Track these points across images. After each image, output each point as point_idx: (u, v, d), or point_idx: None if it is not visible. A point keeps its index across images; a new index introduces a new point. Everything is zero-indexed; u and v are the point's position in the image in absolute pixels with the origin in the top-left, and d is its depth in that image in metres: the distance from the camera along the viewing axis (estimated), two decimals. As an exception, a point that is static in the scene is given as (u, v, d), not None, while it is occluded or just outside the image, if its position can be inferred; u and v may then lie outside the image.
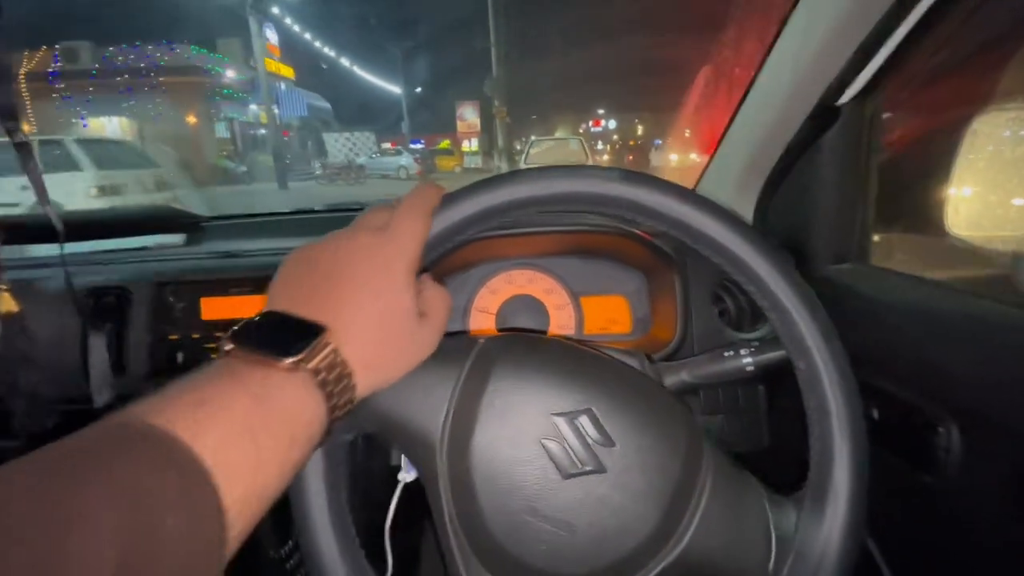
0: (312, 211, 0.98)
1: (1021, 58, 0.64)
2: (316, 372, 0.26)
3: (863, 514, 0.33)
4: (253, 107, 24.92)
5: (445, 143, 24.87)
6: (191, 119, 22.03)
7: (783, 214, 0.65)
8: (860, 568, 0.34)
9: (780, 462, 0.69)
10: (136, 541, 0.18)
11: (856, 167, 0.57)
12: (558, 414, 0.32)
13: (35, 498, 0.17)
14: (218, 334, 0.65)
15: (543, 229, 0.65)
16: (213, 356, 0.64)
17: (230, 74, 24.80)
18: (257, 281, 0.66)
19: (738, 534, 0.34)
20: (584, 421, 0.33)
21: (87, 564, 0.16)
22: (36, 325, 0.59)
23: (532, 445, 0.32)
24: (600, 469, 0.32)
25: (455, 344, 0.35)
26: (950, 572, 0.46)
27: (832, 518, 0.33)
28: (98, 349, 0.59)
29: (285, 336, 0.27)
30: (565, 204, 0.35)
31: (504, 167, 14.53)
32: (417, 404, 0.33)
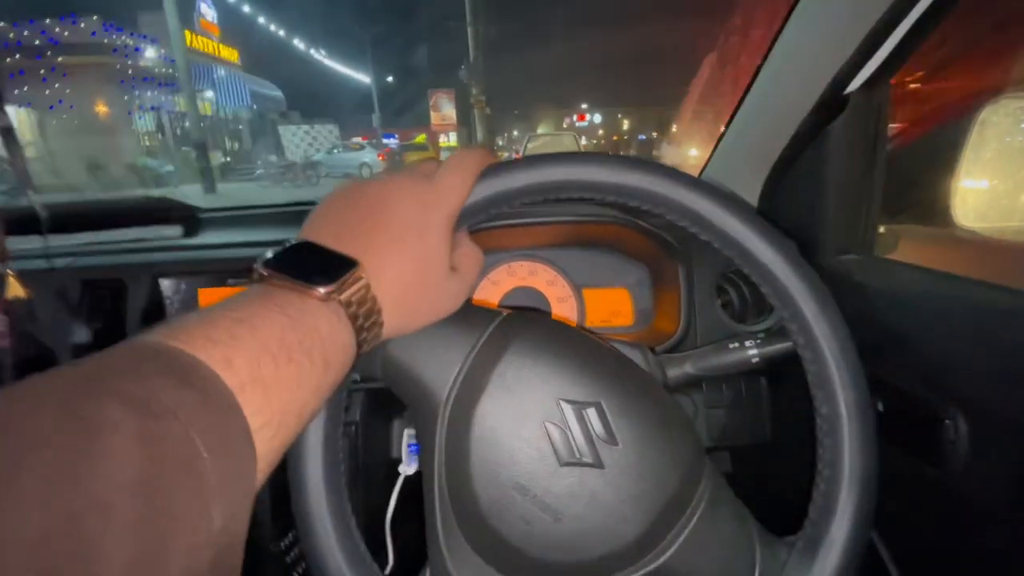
0: (313, 203, 0.97)
1: (1030, 46, 0.63)
2: (347, 304, 0.27)
3: (857, 562, 0.33)
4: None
5: (421, 137, 22.49)
6: (101, 108, 18.27)
7: (788, 203, 0.64)
8: (865, 561, 0.34)
9: (782, 455, 0.69)
10: (159, 450, 0.18)
11: (863, 157, 0.56)
12: (567, 401, 0.32)
13: (62, 405, 0.17)
14: None
15: (545, 220, 0.64)
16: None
17: (150, 54, 20.33)
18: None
19: (722, 563, 0.34)
20: (591, 414, 0.32)
21: (115, 464, 0.16)
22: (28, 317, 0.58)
23: (535, 425, 0.32)
24: (598, 464, 0.32)
25: (478, 311, 0.35)
26: (956, 566, 0.45)
27: (822, 569, 0.33)
28: (84, 338, 0.58)
29: (318, 266, 0.27)
30: (577, 192, 0.34)
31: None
32: (431, 359, 0.33)
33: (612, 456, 0.32)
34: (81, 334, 0.60)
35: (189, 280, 0.65)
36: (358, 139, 21.58)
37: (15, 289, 0.52)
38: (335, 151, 18.05)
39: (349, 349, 0.27)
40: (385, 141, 21.55)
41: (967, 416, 0.42)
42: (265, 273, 0.27)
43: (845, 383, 0.34)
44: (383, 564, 0.39)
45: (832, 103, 0.55)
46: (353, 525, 0.33)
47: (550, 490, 0.32)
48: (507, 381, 0.32)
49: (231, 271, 0.65)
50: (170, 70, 19.87)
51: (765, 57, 0.60)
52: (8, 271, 0.52)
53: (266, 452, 0.22)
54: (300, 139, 20.57)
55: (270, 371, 0.23)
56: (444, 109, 22.36)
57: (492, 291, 0.70)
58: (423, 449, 0.34)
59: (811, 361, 0.35)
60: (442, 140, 22.76)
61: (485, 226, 0.64)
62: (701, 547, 0.33)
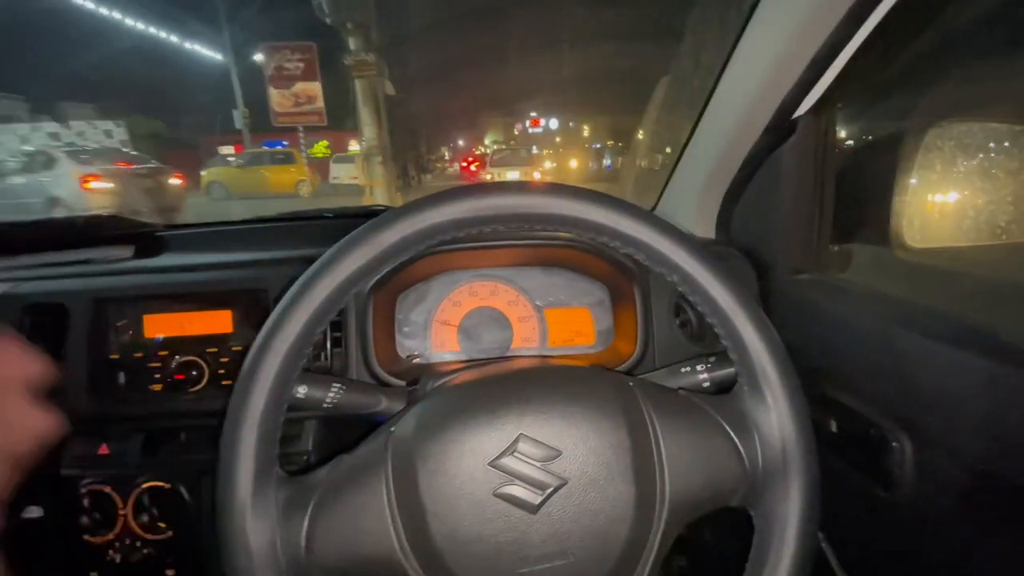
0: (273, 219, 0.95)
1: (972, 70, 0.65)
2: None
3: (803, 401, 0.35)
4: None
5: (321, 144, 16.59)
6: None
7: (743, 226, 0.65)
8: (817, 573, 0.34)
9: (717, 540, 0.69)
10: None
11: (812, 179, 0.57)
12: (494, 461, 0.31)
13: None
14: (161, 352, 0.62)
15: (506, 242, 0.64)
16: (156, 376, 0.61)
17: None
18: (203, 297, 0.63)
19: (707, 452, 0.35)
20: (522, 448, 0.32)
21: None
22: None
23: (489, 502, 0.31)
24: (561, 482, 0.31)
25: (366, 450, 0.34)
26: None
27: (773, 397, 0.35)
28: (71, 360, 0.56)
29: None
30: (538, 224, 0.35)
31: (384, 194, 8.89)
32: (359, 533, 0.31)
33: (564, 465, 0.32)
34: None
35: (134, 305, 0.63)
36: (229, 149, 14.97)
37: None
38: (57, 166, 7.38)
39: None
40: (271, 148, 13.80)
41: (913, 440, 0.42)
42: None
43: (781, 403, 0.34)
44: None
45: (780, 128, 0.56)
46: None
47: (545, 539, 0.31)
48: (437, 490, 0.31)
49: (178, 295, 0.63)
50: None
51: (716, 82, 0.60)
52: None
53: None
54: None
55: None
56: (299, 87, 11.65)
57: (453, 312, 0.69)
58: None
59: (746, 381, 0.36)
60: (351, 147, 15.20)
61: (445, 248, 0.63)
62: (683, 458, 0.34)
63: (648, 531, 0.33)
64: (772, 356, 0.35)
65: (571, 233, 0.35)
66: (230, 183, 12.01)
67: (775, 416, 0.35)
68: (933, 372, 0.41)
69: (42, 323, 0.62)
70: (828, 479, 0.35)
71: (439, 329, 0.69)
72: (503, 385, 0.35)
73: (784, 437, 0.34)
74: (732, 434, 0.35)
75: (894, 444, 0.43)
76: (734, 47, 0.56)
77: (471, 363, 0.41)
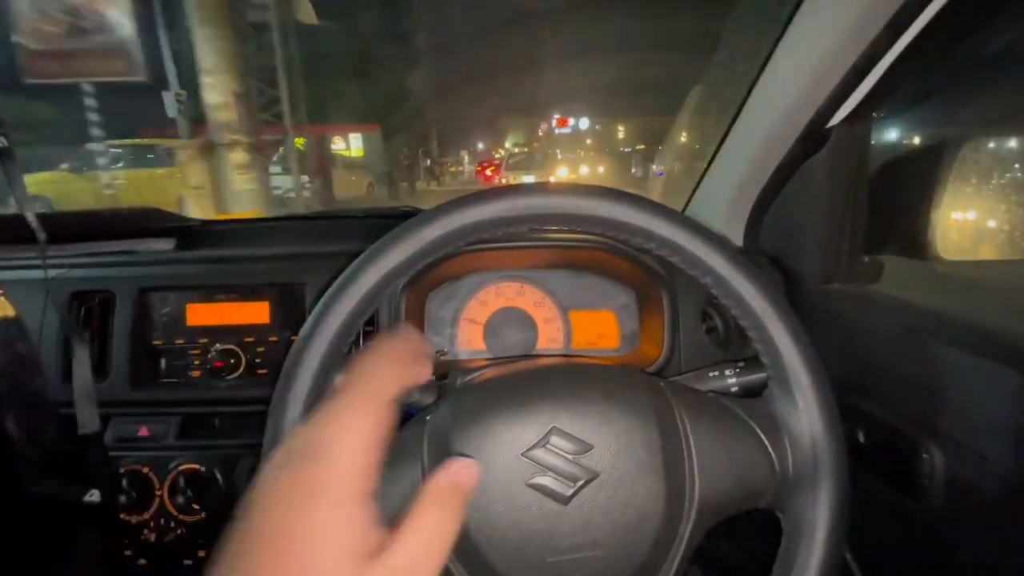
0: (307, 216, 0.98)
1: (1010, 83, 0.65)
2: None
3: (834, 404, 0.35)
4: None
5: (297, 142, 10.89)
6: None
7: (773, 234, 0.65)
8: None
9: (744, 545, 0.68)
10: None
11: (845, 189, 0.57)
12: (527, 451, 0.32)
13: None
14: (201, 340, 0.65)
15: (534, 243, 0.65)
16: (196, 363, 0.64)
17: None
18: (243, 288, 0.65)
19: (737, 453, 0.35)
20: (555, 441, 0.32)
21: None
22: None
23: (521, 491, 0.32)
24: (593, 475, 0.32)
25: (403, 438, 0.35)
26: None
27: (805, 401, 0.35)
28: (81, 357, 0.58)
29: None
30: (575, 225, 0.35)
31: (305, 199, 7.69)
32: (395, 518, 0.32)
33: (596, 459, 0.32)
34: (67, 347, 0.60)
35: (178, 294, 0.66)
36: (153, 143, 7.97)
37: (4, 308, 0.52)
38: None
39: None
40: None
41: (944, 452, 0.42)
42: None
43: (812, 406, 0.35)
44: None
45: (815, 136, 0.56)
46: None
47: (575, 530, 0.32)
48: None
49: (220, 286, 0.65)
50: None
51: (749, 90, 0.61)
52: None
53: None
54: None
55: None
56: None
57: (480, 311, 0.71)
58: None
59: (777, 384, 0.36)
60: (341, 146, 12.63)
61: (475, 248, 0.65)
62: (713, 459, 0.34)
63: (677, 528, 0.33)
64: (804, 359, 0.35)
65: (607, 235, 0.36)
66: (61, 197, 7.41)
67: (806, 419, 0.35)
68: (966, 383, 0.41)
69: (91, 308, 0.66)
70: (855, 490, 0.35)
71: (465, 327, 0.70)
72: (536, 379, 0.36)
73: (815, 440, 0.35)
74: (762, 436, 0.35)
75: (924, 456, 0.43)
76: (770, 54, 0.57)
77: (499, 360, 0.42)
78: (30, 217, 0.56)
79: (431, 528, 0.24)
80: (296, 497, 0.22)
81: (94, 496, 0.60)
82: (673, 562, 0.33)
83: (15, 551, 0.66)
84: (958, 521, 0.41)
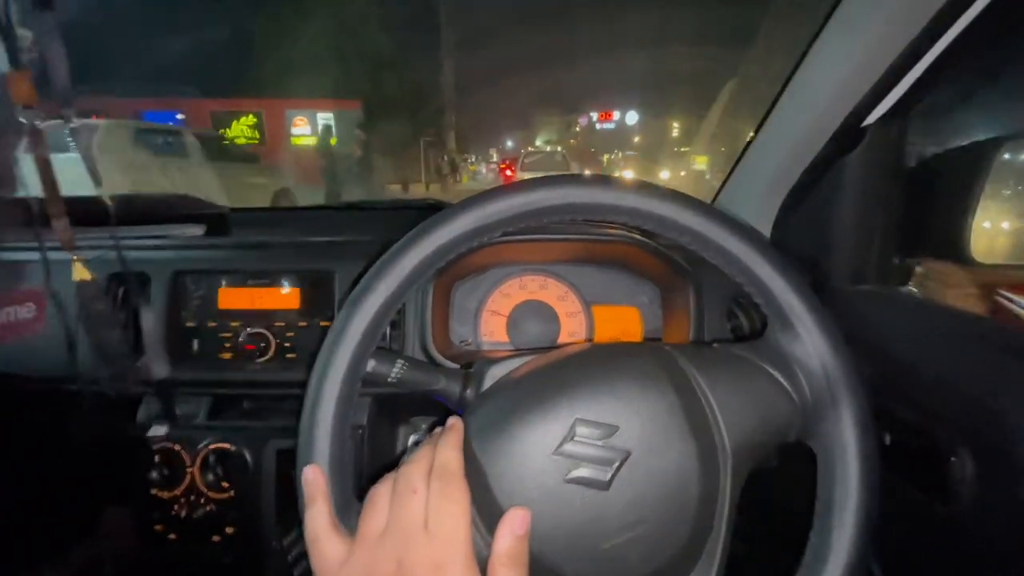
0: (333, 207, 0.99)
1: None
2: None
3: (835, 327, 0.36)
4: None
5: (246, 121, 8.89)
6: None
7: (802, 232, 0.64)
8: None
9: (786, 482, 0.68)
10: None
11: (879, 189, 0.56)
12: (557, 450, 0.32)
13: None
14: (233, 323, 0.66)
15: (559, 236, 0.65)
16: (227, 345, 0.65)
17: None
18: (274, 273, 0.67)
19: (756, 395, 0.35)
20: (581, 432, 0.33)
21: None
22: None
23: (561, 489, 0.32)
24: (625, 454, 0.32)
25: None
26: None
27: (804, 329, 0.36)
28: (147, 315, 0.62)
29: None
30: (595, 215, 0.36)
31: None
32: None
33: (625, 438, 0.33)
34: (109, 325, 0.62)
35: (210, 278, 0.67)
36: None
37: (81, 273, 0.55)
38: None
39: None
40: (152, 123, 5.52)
41: (975, 454, 0.41)
42: None
43: (814, 333, 0.35)
44: None
45: (850, 135, 0.55)
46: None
47: (621, 512, 0.32)
48: (509, 483, 0.32)
49: (252, 271, 0.67)
50: None
51: (785, 85, 0.60)
52: (73, 257, 0.55)
53: None
54: None
55: None
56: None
57: (503, 303, 0.71)
58: None
59: (776, 321, 0.36)
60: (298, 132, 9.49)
61: (497, 240, 0.65)
62: (735, 407, 0.35)
63: (717, 483, 0.33)
64: (795, 291, 0.36)
65: (639, 226, 0.36)
66: None
67: (811, 346, 0.36)
68: (999, 386, 0.40)
69: (126, 290, 0.67)
70: (881, 494, 0.35)
71: (489, 318, 0.71)
72: (548, 377, 0.36)
73: (825, 365, 0.35)
74: (775, 373, 0.36)
75: (954, 459, 0.43)
76: (807, 50, 0.56)
77: (519, 352, 0.43)
78: (105, 199, 0.58)
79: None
80: (428, 573, 0.29)
81: (159, 431, 0.65)
82: (722, 517, 0.34)
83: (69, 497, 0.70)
84: (989, 525, 0.41)
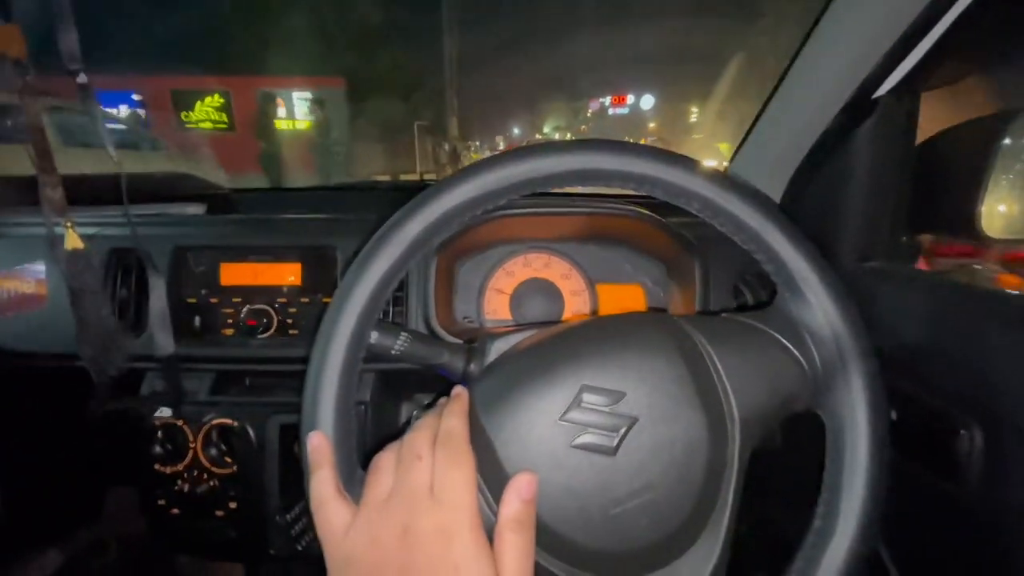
0: (332, 187, 0.99)
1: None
2: None
3: (847, 293, 0.36)
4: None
5: (211, 102, 7.36)
6: None
7: (811, 205, 0.63)
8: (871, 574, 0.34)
9: (792, 461, 0.68)
10: None
11: (890, 163, 0.55)
12: (563, 416, 0.32)
13: None
14: (235, 299, 0.66)
15: (562, 211, 0.64)
16: (229, 321, 0.65)
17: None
18: (276, 250, 0.66)
19: (765, 363, 0.35)
20: (588, 398, 0.32)
21: None
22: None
23: (569, 455, 0.32)
24: (632, 420, 0.32)
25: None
26: None
27: (815, 296, 0.35)
28: (156, 286, 0.62)
29: None
30: (601, 180, 0.35)
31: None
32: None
33: (631, 404, 0.32)
34: (97, 298, 0.61)
35: (212, 254, 0.67)
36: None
37: (73, 241, 0.54)
38: None
39: None
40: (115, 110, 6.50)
41: (984, 428, 0.41)
42: None
43: (824, 299, 0.35)
44: None
45: (860, 106, 0.54)
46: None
47: (629, 477, 0.32)
48: (516, 450, 0.32)
49: (252, 247, 0.67)
50: None
51: (795, 56, 0.59)
52: (66, 223, 0.53)
53: None
54: None
55: None
56: None
57: (507, 281, 0.71)
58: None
59: (786, 287, 0.36)
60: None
61: (500, 214, 0.65)
62: (743, 373, 0.34)
63: (725, 451, 0.33)
64: (805, 256, 0.35)
65: (647, 192, 0.36)
66: None
67: (821, 314, 0.35)
68: (1009, 360, 0.40)
69: (128, 266, 0.67)
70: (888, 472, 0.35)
71: (492, 296, 0.71)
72: (555, 345, 0.36)
73: (835, 333, 0.35)
74: (784, 341, 0.35)
75: (963, 432, 0.42)
76: (818, 19, 0.55)
77: (521, 326, 0.42)
78: (121, 174, 0.57)
79: (521, 549, 0.30)
80: (435, 538, 0.29)
81: (165, 412, 0.64)
82: (729, 486, 0.34)
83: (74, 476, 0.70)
84: (998, 501, 0.40)
